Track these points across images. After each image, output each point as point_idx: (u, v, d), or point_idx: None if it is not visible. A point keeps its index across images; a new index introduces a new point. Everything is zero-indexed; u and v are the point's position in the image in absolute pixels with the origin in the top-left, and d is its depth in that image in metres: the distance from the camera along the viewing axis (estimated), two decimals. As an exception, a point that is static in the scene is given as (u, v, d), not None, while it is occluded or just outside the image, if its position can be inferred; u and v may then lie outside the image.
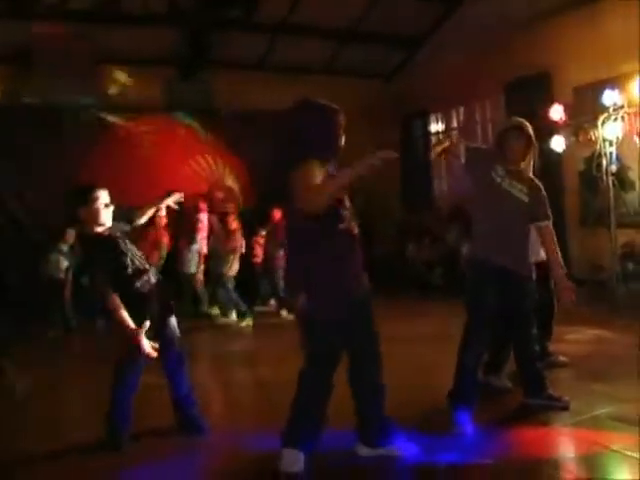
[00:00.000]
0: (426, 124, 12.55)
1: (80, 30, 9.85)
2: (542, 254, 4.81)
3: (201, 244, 8.74)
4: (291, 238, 3.54)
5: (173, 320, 4.04)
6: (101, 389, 3.99)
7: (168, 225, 8.47)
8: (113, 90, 10.76)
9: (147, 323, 3.68)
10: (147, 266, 3.92)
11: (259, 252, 9.33)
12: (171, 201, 4.39)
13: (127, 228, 4.02)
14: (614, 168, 7.97)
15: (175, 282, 8.07)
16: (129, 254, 3.81)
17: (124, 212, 4.06)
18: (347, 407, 3.51)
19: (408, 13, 10.60)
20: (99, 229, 3.79)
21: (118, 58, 10.42)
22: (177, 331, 4.05)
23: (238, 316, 8.40)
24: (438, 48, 11.25)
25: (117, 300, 3.63)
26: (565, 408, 4.13)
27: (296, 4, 10.14)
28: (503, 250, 4.05)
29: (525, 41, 9.66)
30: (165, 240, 8.48)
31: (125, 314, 3.63)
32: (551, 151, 8.27)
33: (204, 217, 8.94)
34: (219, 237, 8.82)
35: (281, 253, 8.89)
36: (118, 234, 3.86)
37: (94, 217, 3.76)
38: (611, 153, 7.80)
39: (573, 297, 4.11)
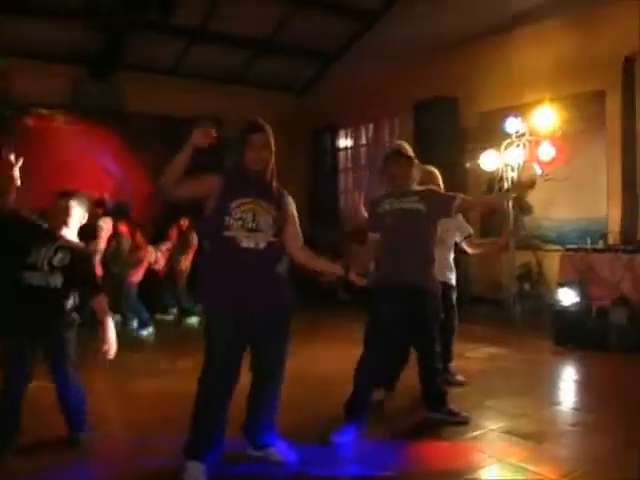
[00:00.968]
0: (335, 139, 12.70)
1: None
2: (447, 275, 5.02)
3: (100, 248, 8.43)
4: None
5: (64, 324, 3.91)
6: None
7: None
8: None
9: None
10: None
11: (162, 261, 9.15)
12: None
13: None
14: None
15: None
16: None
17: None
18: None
19: (324, 28, 10.68)
20: None
21: (24, 51, 9.98)
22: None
23: (139, 325, 8.19)
24: (351, 64, 11.38)
25: None
26: (465, 422, 4.27)
27: (213, 11, 10.06)
28: (403, 268, 4.14)
29: (436, 64, 9.96)
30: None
31: None
32: (457, 170, 8.54)
33: (104, 222, 8.59)
34: (121, 242, 8.53)
35: (185, 262, 8.86)
36: None
37: None
38: (512, 178, 8.11)
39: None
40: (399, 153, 4.28)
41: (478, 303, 8.70)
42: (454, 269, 5.26)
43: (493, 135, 8.39)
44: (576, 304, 6.46)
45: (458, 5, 9.06)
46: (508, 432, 4.14)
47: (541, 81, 8.47)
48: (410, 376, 4.61)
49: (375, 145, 11.85)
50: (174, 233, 9.04)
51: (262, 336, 3.46)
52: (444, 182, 5.02)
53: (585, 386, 5.56)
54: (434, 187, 4.54)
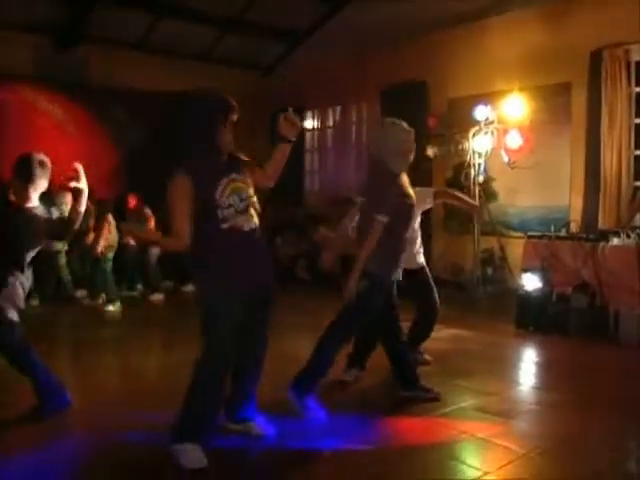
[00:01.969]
0: (301, 120, 12.59)
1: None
2: (419, 260, 5.10)
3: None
4: None
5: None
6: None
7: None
8: None
9: None
10: None
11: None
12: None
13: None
14: (481, 179, 8.48)
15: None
16: None
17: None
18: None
19: (293, 7, 10.62)
20: None
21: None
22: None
23: (107, 300, 8.13)
24: (319, 46, 11.32)
25: None
26: (436, 399, 4.41)
27: (182, -14, 9.94)
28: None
29: (406, 49, 10.04)
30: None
31: None
32: (422, 157, 8.63)
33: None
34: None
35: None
36: None
37: None
38: (479, 164, 8.26)
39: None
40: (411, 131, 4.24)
41: (440, 285, 8.81)
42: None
43: (462, 122, 8.52)
44: (539, 289, 6.64)
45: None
46: (478, 409, 4.30)
47: (511, 70, 8.60)
48: (381, 354, 4.70)
49: (342, 128, 11.89)
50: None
51: (256, 312, 3.49)
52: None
53: (546, 367, 5.75)
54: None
